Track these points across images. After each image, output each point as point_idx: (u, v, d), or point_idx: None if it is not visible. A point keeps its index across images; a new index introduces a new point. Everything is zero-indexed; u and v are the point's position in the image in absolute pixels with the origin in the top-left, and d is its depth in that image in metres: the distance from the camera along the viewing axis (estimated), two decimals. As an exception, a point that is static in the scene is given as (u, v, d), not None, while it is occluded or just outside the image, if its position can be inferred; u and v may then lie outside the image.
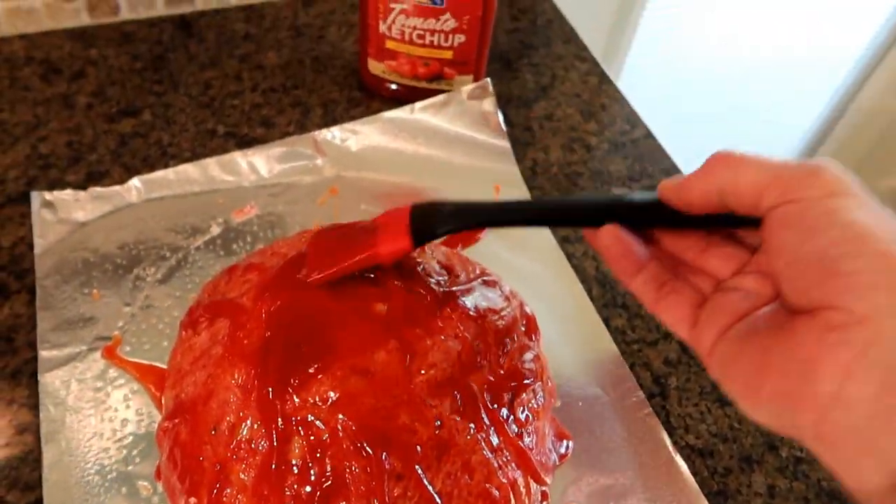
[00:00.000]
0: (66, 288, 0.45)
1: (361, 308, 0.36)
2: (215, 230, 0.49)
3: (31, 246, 0.46)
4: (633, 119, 0.61)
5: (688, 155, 0.64)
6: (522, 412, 0.37)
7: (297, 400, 0.33)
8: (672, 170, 0.57)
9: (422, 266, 0.39)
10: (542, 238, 0.51)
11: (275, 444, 0.32)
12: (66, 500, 0.37)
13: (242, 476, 0.33)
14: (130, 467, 0.38)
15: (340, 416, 0.33)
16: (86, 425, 0.39)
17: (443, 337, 0.36)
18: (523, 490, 0.36)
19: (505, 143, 0.55)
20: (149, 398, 0.41)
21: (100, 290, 0.45)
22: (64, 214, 0.47)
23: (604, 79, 0.64)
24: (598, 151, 0.58)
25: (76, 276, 0.45)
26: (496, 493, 0.35)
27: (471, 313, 0.37)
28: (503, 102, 0.60)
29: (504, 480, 0.35)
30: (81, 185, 0.49)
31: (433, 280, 0.38)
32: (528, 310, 0.43)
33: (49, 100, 0.55)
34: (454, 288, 0.38)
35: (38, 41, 0.58)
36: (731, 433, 0.43)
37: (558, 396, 0.43)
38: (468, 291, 0.39)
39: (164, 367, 0.42)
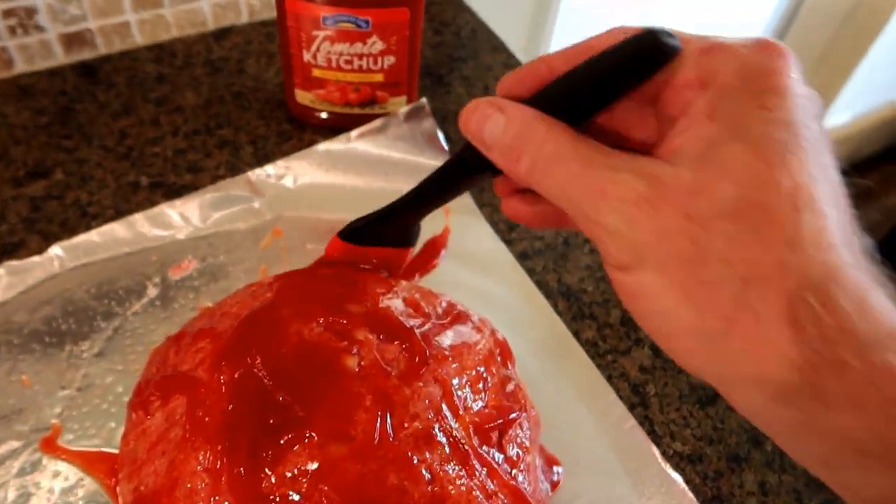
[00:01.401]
0: (-10, 378, 0.40)
1: (330, 366, 0.33)
2: (152, 291, 0.45)
3: (-58, 336, 0.41)
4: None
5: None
6: (512, 449, 0.35)
7: (273, 477, 0.30)
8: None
9: (388, 308, 0.37)
10: (501, 257, 0.50)
11: (255, 529, 0.29)
12: None
13: (223, 570, 0.30)
14: (90, 572, 0.34)
15: (324, 487, 0.30)
16: (32, 533, 0.35)
17: (421, 384, 0.33)
18: (523, 531, 0.34)
19: (449, 163, 0.53)
20: (102, 490, 0.37)
21: (30, 374, 0.40)
22: (-23, 296, 0.43)
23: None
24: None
25: (1, 364, 0.41)
26: (496, 540, 0.33)
27: (446, 352, 0.35)
28: (440, 119, 0.58)
29: (503, 525, 0.33)
30: (-6, 261, 0.45)
31: (402, 323, 0.36)
32: (499, 336, 0.41)
33: (-56, 168, 0.49)
34: (425, 328, 0.36)
35: (-77, 104, 0.53)
36: (715, 434, 0.43)
37: (542, 421, 0.42)
38: (440, 329, 0.37)
39: (114, 451, 0.38)
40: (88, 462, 0.38)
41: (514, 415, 0.36)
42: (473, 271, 0.49)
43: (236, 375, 0.32)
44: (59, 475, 0.37)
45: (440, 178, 0.34)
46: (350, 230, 0.40)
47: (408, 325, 0.35)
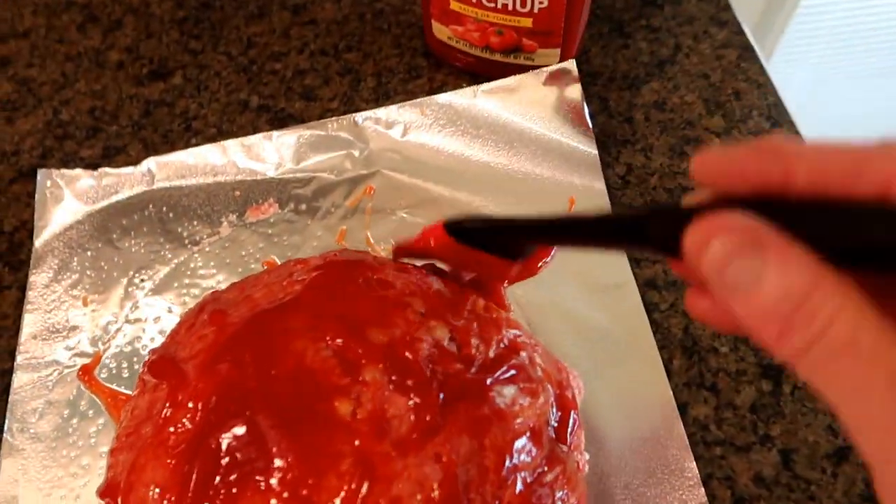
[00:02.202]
0: (57, 288, 0.40)
1: (319, 407, 0.27)
2: (225, 230, 0.42)
3: (31, 234, 0.41)
4: (778, 114, 0.45)
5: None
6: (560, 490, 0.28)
7: (225, 515, 0.26)
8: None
9: (419, 344, 0.29)
10: (619, 281, 0.39)
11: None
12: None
13: None
14: (84, 512, 0.34)
15: (267, 554, 0.25)
16: (45, 462, 0.35)
17: (417, 460, 0.27)
18: None
19: (590, 148, 0.42)
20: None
21: (90, 295, 0.40)
22: (68, 200, 0.42)
23: (746, 53, 0.48)
24: (718, 159, 0.44)
25: (69, 276, 0.40)
26: None
27: (471, 421, 0.28)
28: (604, 81, 0.47)
29: None
30: (96, 162, 0.44)
31: (422, 371, 0.28)
32: (571, 393, 0.32)
33: (80, 55, 0.49)
34: (459, 382, 0.29)
35: (82, -19, 0.53)
36: None
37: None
38: (479, 384, 0.29)
39: (139, 398, 0.36)
40: (113, 402, 0.37)
41: (541, 515, 0.28)
42: (578, 292, 0.39)
43: (218, 390, 0.28)
44: (86, 400, 0.37)
45: (599, 227, 0.25)
46: (460, 226, 0.32)
47: (428, 376, 0.28)
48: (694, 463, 0.34)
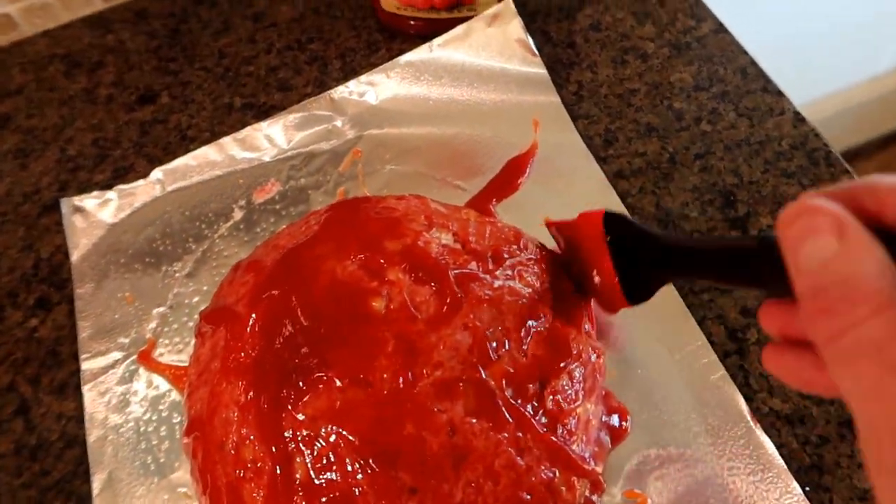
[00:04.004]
0: (102, 294, 0.45)
1: (358, 308, 0.32)
2: (237, 214, 0.47)
3: (67, 254, 0.46)
4: (699, 11, 0.51)
5: (773, 49, 0.53)
6: (555, 401, 0.33)
7: (295, 416, 0.30)
8: (749, 69, 0.48)
9: (428, 245, 0.34)
10: (591, 177, 0.44)
11: (277, 463, 0.30)
12: (114, 511, 0.38)
13: (255, 495, 0.31)
14: (172, 475, 0.38)
15: (342, 431, 0.30)
16: (128, 436, 0.40)
17: (449, 331, 0.31)
18: (563, 488, 0.32)
19: (540, 70, 0.48)
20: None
21: (133, 292, 0.44)
22: (93, 218, 0.47)
23: (662, -34, 0.53)
24: (656, 59, 0.49)
25: (110, 281, 0.45)
26: (528, 497, 0.31)
27: (484, 297, 0.33)
28: (541, 17, 0.52)
29: (536, 482, 0.31)
30: (108, 184, 0.49)
31: (437, 263, 0.33)
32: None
33: (73, 97, 0.54)
34: (467, 269, 0.34)
35: (58, 36, 0.57)
36: (827, 392, 0.36)
37: (614, 363, 0.38)
38: (485, 270, 0.34)
39: (197, 367, 0.41)
40: (175, 376, 0.41)
41: (562, 364, 0.33)
42: (558, 194, 0.44)
43: (268, 314, 0.33)
44: (152, 384, 0.41)
45: (721, 253, 0.26)
46: (618, 220, 0.32)
47: (442, 265, 0.33)
48: (688, 311, 0.39)
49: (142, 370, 0.42)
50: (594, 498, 0.34)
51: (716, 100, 0.47)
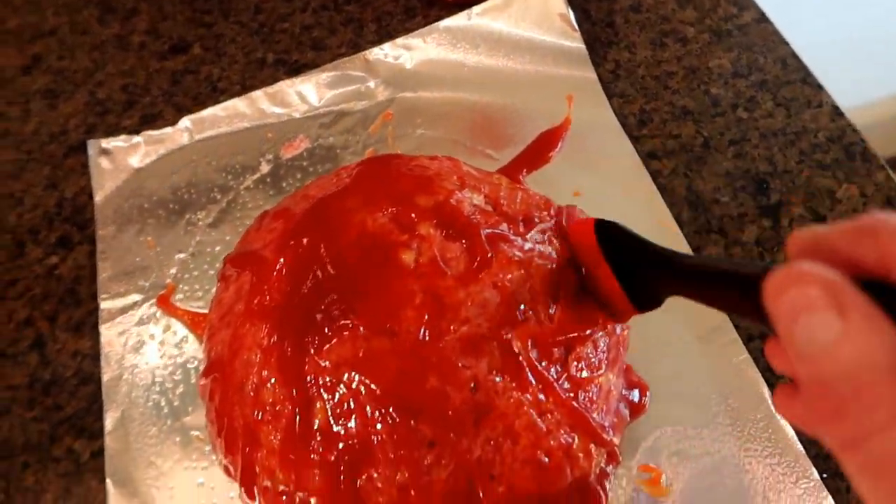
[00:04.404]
0: (124, 237, 0.44)
1: (387, 259, 0.32)
2: (265, 168, 0.46)
3: (91, 196, 0.46)
4: (744, 0, 0.50)
5: (814, 41, 0.52)
6: (578, 368, 0.32)
7: (318, 362, 0.30)
8: (789, 60, 0.47)
9: (460, 204, 0.34)
10: (624, 154, 0.44)
11: (297, 406, 0.30)
12: (125, 449, 0.37)
13: (271, 438, 0.31)
14: (185, 418, 0.38)
15: (364, 379, 0.30)
16: (143, 377, 0.39)
17: (478, 288, 0.31)
18: (581, 455, 0.32)
19: (579, 45, 0.47)
20: (199, 348, 0.40)
21: (154, 237, 0.44)
22: (119, 161, 0.47)
23: (707, -48, 0.53)
24: (695, 44, 0.49)
25: (132, 225, 0.45)
26: (545, 459, 0.31)
27: (515, 258, 0.32)
28: (581, -7, 0.52)
29: (554, 443, 0.31)
30: (136, 129, 0.49)
31: (469, 220, 0.33)
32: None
33: (105, 42, 0.54)
34: (498, 229, 0.33)
35: (93, -20, 0.57)
36: (850, 383, 0.36)
37: (637, 339, 0.38)
38: (516, 232, 0.34)
39: (215, 315, 0.41)
40: (193, 321, 0.41)
41: (588, 332, 0.33)
42: (590, 173, 0.44)
43: (296, 259, 0.33)
44: (169, 329, 0.41)
45: (723, 275, 0.23)
46: (609, 230, 0.31)
47: (474, 223, 0.33)
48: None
49: (160, 314, 0.42)
50: (609, 469, 0.34)
51: (754, 88, 0.46)
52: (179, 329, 0.41)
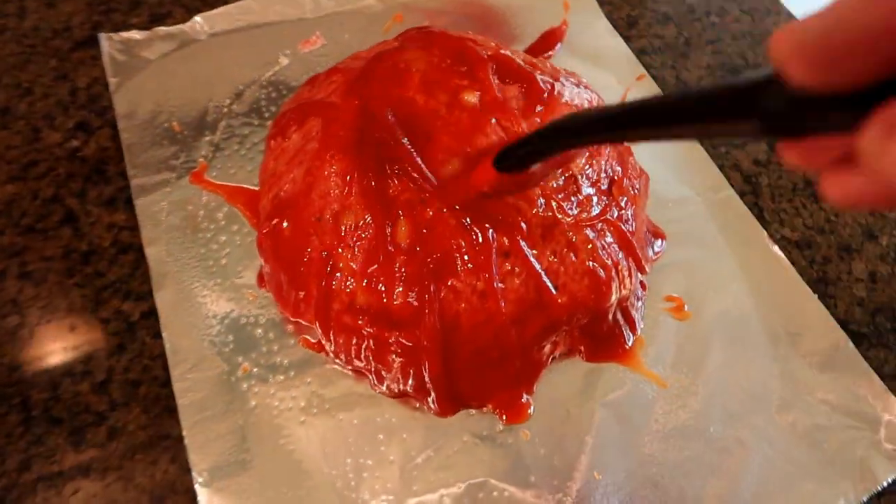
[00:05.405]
0: (147, 122, 0.45)
1: (452, 99, 0.35)
2: (284, 61, 0.48)
3: (106, 85, 0.46)
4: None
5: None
6: (622, 198, 0.37)
7: (398, 184, 0.33)
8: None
9: (511, 55, 0.38)
10: (618, 52, 0.49)
11: (381, 227, 0.32)
12: (177, 309, 0.38)
13: (351, 261, 0.33)
14: (234, 279, 0.39)
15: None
16: (186, 245, 0.40)
17: (538, 120, 0.35)
18: (626, 273, 0.36)
19: (573, -43, 0.52)
20: (241, 217, 0.41)
21: (179, 122, 0.45)
22: (134, 54, 0.47)
23: None
24: (670, -37, 0.55)
25: (155, 110, 0.45)
26: (601, 272, 0.35)
27: (565, 100, 0.36)
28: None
29: (608, 261, 0.35)
30: (146, 27, 0.49)
31: (522, 67, 0.37)
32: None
33: (100, -54, 0.53)
34: (547, 78, 0.37)
35: None
36: (827, 225, 0.42)
37: (651, 199, 0.43)
38: (559, 82, 0.38)
39: (252, 188, 0.42)
40: (230, 193, 0.42)
41: (625, 177, 0.37)
42: (589, 66, 0.49)
43: (367, 100, 0.35)
44: (207, 202, 0.42)
45: (676, 106, 0.20)
46: (507, 154, 0.31)
47: (527, 70, 0.36)
48: (710, 158, 0.44)
49: (193, 190, 0.42)
50: (640, 293, 0.39)
51: None
52: (215, 204, 0.42)
